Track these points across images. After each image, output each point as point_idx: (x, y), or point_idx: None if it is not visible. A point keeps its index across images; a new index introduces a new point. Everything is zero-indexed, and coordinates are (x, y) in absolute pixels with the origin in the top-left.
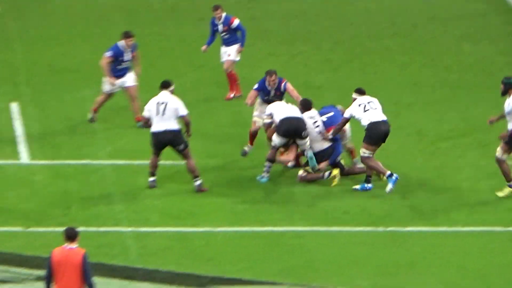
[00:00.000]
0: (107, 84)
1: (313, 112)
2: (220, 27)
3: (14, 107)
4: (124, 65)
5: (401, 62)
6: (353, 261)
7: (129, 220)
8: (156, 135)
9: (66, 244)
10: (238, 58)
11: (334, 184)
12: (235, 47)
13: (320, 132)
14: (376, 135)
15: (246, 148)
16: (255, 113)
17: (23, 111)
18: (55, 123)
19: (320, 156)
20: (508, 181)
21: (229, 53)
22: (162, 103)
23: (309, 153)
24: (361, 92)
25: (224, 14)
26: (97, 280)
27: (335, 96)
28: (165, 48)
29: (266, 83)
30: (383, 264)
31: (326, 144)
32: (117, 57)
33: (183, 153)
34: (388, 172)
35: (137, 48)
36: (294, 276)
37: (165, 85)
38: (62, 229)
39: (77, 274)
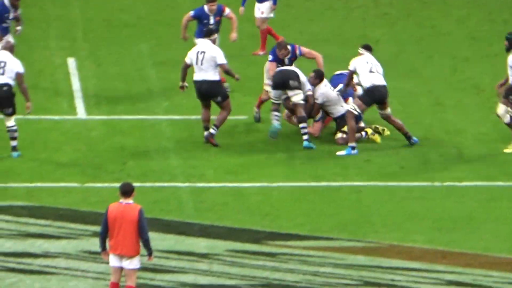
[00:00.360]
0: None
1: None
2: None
3: (72, 62)
4: (209, 27)
5: (458, 16)
6: (409, 216)
7: (185, 175)
8: (195, 84)
9: (122, 200)
10: (271, 15)
11: (378, 141)
12: (267, 4)
13: (338, 95)
14: (374, 98)
15: (255, 114)
16: (267, 81)
17: (80, 66)
18: (112, 78)
19: (342, 120)
20: None
21: (262, 10)
22: (202, 52)
23: (276, 124)
24: (368, 48)
25: None
26: (152, 236)
27: (392, 51)
28: (222, 2)
29: (278, 54)
30: (439, 219)
31: (344, 109)
32: (201, 19)
33: (222, 105)
34: (354, 144)
35: (222, 13)
36: (349, 231)
37: (208, 33)
38: (118, 184)
39: (133, 230)
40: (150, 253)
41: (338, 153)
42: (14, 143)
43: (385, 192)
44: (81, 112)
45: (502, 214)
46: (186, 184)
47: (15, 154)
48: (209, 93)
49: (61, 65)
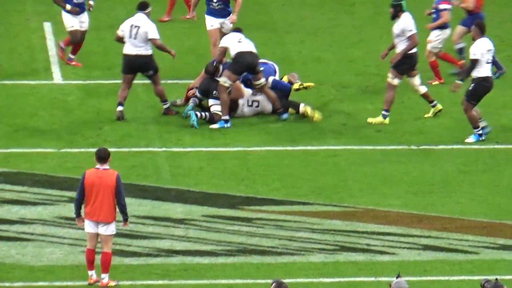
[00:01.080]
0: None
1: None
2: None
3: (48, 26)
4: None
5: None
6: (385, 180)
7: (161, 140)
8: (127, 57)
9: (98, 165)
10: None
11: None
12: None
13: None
14: (243, 66)
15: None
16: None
17: (56, 31)
18: (88, 42)
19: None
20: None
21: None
22: (136, 26)
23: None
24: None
25: None
26: (129, 201)
27: (370, 13)
28: None
29: None
30: (415, 183)
31: None
32: None
33: (152, 79)
34: (227, 117)
35: None
36: (326, 196)
37: (141, 7)
38: (94, 150)
39: (110, 196)
40: (126, 219)
41: (211, 126)
42: None
43: (362, 156)
44: (57, 77)
45: (478, 178)
46: (163, 149)
47: None
48: (143, 67)
49: (37, 29)
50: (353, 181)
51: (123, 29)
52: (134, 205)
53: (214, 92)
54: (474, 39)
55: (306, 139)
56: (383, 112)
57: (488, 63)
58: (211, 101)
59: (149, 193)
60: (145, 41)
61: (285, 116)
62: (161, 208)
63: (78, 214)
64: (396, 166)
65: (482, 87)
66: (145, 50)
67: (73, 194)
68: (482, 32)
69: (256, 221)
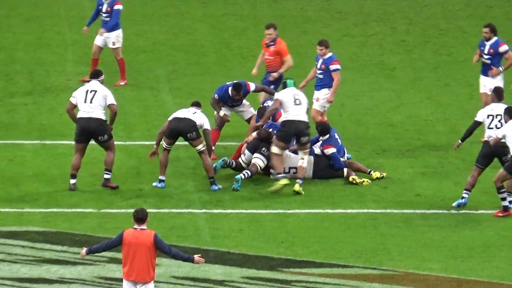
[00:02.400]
0: None
1: None
2: (104, 7)
3: None
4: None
5: (475, 43)
6: (425, 244)
7: (201, 201)
8: (80, 121)
9: (136, 226)
10: (120, 45)
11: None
12: (117, 33)
13: None
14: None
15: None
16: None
17: None
18: (129, 103)
19: None
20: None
21: (112, 40)
22: (92, 91)
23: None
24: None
25: None
26: (168, 262)
27: (409, 78)
28: (239, 28)
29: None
30: (455, 247)
31: None
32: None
33: (106, 144)
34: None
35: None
36: (365, 259)
37: (95, 75)
38: (133, 210)
39: (147, 256)
40: (190, 259)
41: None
42: None
43: (401, 220)
44: None
45: None
46: (203, 211)
47: None
48: (96, 131)
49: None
50: (393, 244)
51: (76, 95)
52: (173, 266)
53: (264, 149)
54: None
55: (345, 202)
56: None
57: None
58: (256, 155)
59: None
60: (101, 105)
61: (215, 187)
62: (201, 269)
63: (90, 250)
64: (436, 230)
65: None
66: (100, 115)
67: (112, 254)
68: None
69: (295, 284)
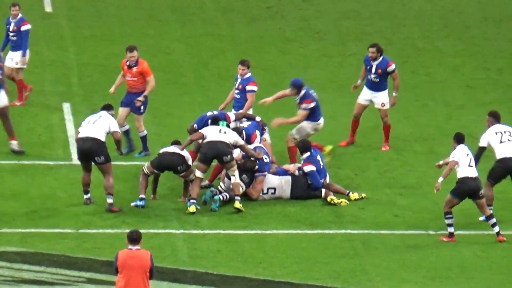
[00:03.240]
0: None
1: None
2: (11, 26)
3: (67, 107)
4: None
5: (453, 64)
6: (403, 265)
7: (179, 222)
8: (78, 141)
9: (130, 246)
10: (24, 66)
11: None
12: (20, 53)
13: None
14: None
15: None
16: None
17: (75, 111)
18: None
19: None
20: None
21: (16, 60)
22: (99, 116)
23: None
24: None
25: (20, 15)
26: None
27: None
28: (217, 48)
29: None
30: (433, 267)
31: None
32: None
33: (103, 167)
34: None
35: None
36: (343, 280)
37: (106, 107)
38: (112, 230)
39: (144, 275)
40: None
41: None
42: None
43: (379, 241)
44: (75, 158)
45: (495, 263)
46: (181, 231)
47: None
48: (93, 151)
49: (56, 110)
50: (371, 265)
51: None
52: (151, 286)
53: (244, 176)
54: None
55: (324, 222)
56: None
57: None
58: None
59: (167, 275)
60: (103, 129)
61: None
62: None
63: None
64: (414, 251)
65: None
66: (99, 136)
67: (91, 275)
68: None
69: None
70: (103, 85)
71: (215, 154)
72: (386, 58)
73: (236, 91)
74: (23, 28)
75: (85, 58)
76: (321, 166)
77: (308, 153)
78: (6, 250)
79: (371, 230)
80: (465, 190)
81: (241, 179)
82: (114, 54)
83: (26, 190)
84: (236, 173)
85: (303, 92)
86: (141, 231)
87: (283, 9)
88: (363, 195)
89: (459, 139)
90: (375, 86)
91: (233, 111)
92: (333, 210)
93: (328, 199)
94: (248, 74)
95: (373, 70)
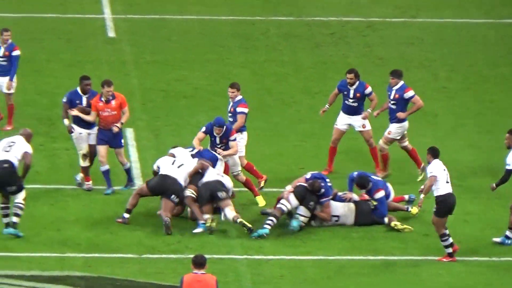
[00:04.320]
0: None
1: None
2: (1, 51)
3: (130, 132)
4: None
5: None
6: None
7: (243, 247)
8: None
9: (195, 271)
10: (13, 91)
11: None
12: (7, 78)
13: None
14: None
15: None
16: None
17: (138, 137)
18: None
19: None
20: None
21: (3, 85)
22: (180, 164)
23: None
24: None
25: (10, 41)
26: None
27: (451, 124)
28: (280, 74)
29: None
30: None
31: None
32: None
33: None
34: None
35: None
36: None
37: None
38: (175, 256)
39: None
40: None
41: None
42: (15, 219)
43: (443, 267)
44: (138, 183)
45: None
46: (244, 256)
47: (10, 230)
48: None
49: None
50: None
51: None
52: None
53: (311, 202)
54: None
55: (387, 248)
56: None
57: None
58: (302, 208)
59: None
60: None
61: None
62: None
63: None
64: (477, 276)
65: None
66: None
67: None
68: None
69: None
70: (166, 110)
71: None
72: (362, 82)
73: (229, 115)
74: (14, 53)
75: (148, 83)
76: (389, 191)
77: (368, 186)
78: (70, 275)
79: (434, 256)
80: (448, 206)
81: (307, 206)
82: (176, 79)
83: (90, 214)
84: (232, 207)
85: (239, 97)
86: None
87: (346, 35)
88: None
89: (434, 153)
90: (353, 111)
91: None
92: (397, 236)
93: (392, 224)
94: (239, 97)
95: (351, 95)
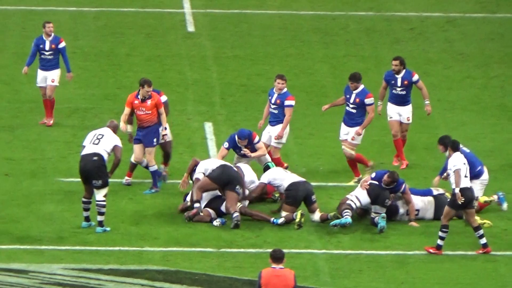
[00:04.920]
0: None
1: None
2: (47, 45)
3: (209, 127)
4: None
5: None
6: None
7: (321, 242)
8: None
9: (274, 265)
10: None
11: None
12: (54, 72)
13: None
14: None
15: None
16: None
17: (217, 131)
18: None
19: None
20: None
21: (52, 78)
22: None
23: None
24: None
25: (53, 34)
26: None
27: None
28: (360, 69)
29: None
30: None
31: None
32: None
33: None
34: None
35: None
36: None
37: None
38: (254, 250)
39: None
40: None
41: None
42: (100, 218)
43: None
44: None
45: None
46: (322, 251)
47: (99, 229)
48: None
49: (198, 129)
50: None
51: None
52: None
53: (387, 201)
54: None
55: (466, 243)
56: None
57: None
58: (377, 207)
59: None
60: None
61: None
62: None
63: None
64: None
65: None
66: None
67: None
68: None
69: None
70: (245, 105)
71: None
72: (408, 70)
73: (273, 106)
74: (61, 45)
75: (228, 78)
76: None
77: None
78: (148, 269)
79: None
80: (464, 201)
81: (383, 205)
82: (256, 74)
83: (168, 209)
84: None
85: (285, 89)
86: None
87: (426, 30)
88: (492, 197)
89: (455, 146)
90: (401, 100)
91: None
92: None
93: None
94: (285, 89)
95: (399, 83)
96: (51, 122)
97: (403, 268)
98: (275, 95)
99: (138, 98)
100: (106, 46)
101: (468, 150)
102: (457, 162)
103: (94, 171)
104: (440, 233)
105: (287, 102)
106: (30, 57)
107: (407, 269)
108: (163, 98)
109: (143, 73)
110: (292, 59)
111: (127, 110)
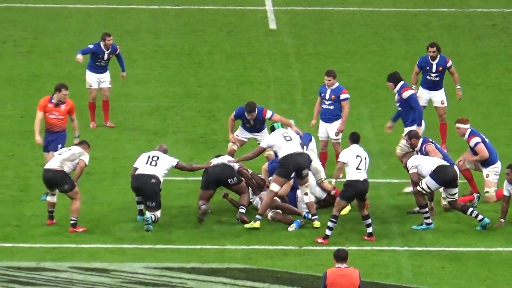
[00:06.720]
0: None
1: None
2: (106, 55)
3: None
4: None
5: None
6: None
7: (403, 239)
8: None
9: (338, 265)
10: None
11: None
12: (106, 74)
13: None
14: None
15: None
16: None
17: (298, 128)
18: None
19: None
20: None
21: (108, 80)
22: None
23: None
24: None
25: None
26: None
27: None
28: None
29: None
30: None
31: None
32: (242, 119)
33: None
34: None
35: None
36: None
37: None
38: (335, 248)
39: None
40: None
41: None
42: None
43: None
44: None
45: None
46: (405, 248)
47: (150, 227)
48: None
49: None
50: None
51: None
52: None
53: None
54: None
55: None
56: None
57: None
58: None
59: None
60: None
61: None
62: None
63: None
64: None
65: None
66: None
67: None
68: None
69: None
70: None
71: (295, 166)
72: (443, 56)
73: (328, 102)
74: (118, 52)
75: (310, 75)
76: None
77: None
78: (230, 267)
79: None
80: (354, 192)
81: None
82: (338, 71)
83: (250, 206)
84: (309, 190)
85: (337, 84)
86: (364, 248)
87: (508, 26)
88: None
89: (354, 138)
90: (434, 85)
91: (271, 112)
92: None
93: None
94: (337, 84)
95: (434, 69)
96: (95, 125)
97: (485, 265)
98: (328, 91)
99: (52, 102)
100: (188, 44)
101: (487, 140)
102: (345, 154)
103: (151, 194)
104: (330, 223)
105: (343, 96)
106: (85, 50)
107: (489, 266)
108: (268, 113)
109: (224, 71)
110: (374, 56)
111: (39, 114)
